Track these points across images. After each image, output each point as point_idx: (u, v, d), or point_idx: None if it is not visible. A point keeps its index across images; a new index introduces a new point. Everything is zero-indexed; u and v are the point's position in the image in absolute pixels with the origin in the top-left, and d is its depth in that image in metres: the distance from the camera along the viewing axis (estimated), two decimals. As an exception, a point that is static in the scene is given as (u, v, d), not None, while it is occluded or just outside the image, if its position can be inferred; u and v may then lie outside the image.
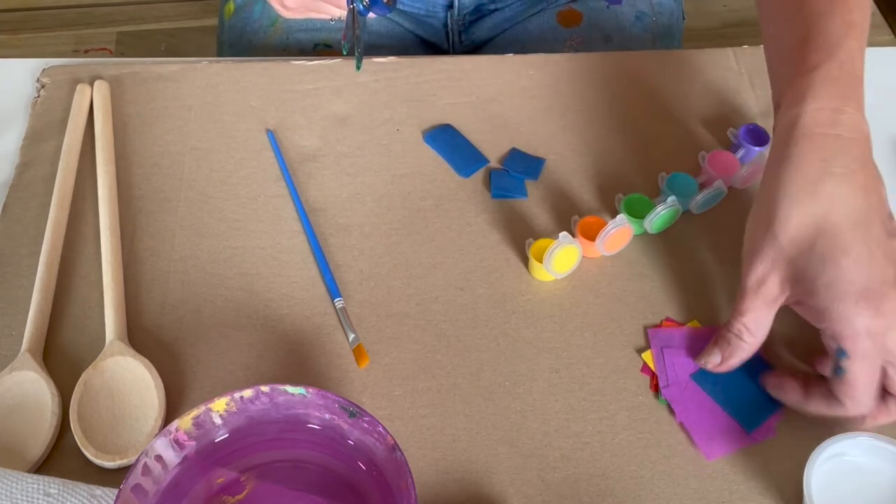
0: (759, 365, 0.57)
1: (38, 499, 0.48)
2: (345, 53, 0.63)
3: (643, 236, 0.64)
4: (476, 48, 0.89)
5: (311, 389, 0.48)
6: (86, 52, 1.73)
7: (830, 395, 0.52)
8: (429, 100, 0.71)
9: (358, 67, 0.65)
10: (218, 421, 0.49)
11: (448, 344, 0.59)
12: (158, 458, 0.47)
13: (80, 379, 0.55)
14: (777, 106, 0.56)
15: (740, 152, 0.66)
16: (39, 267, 0.60)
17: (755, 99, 0.71)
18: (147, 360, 0.56)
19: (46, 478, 0.49)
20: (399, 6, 0.63)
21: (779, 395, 0.55)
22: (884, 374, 0.51)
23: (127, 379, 0.56)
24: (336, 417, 0.49)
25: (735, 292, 0.55)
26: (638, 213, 0.63)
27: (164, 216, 0.64)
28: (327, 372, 0.57)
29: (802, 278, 0.51)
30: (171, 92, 0.71)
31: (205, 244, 0.63)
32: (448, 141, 0.69)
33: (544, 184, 0.67)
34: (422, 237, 0.64)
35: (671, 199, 0.62)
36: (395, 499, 0.46)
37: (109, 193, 0.64)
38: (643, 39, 0.84)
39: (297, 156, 0.68)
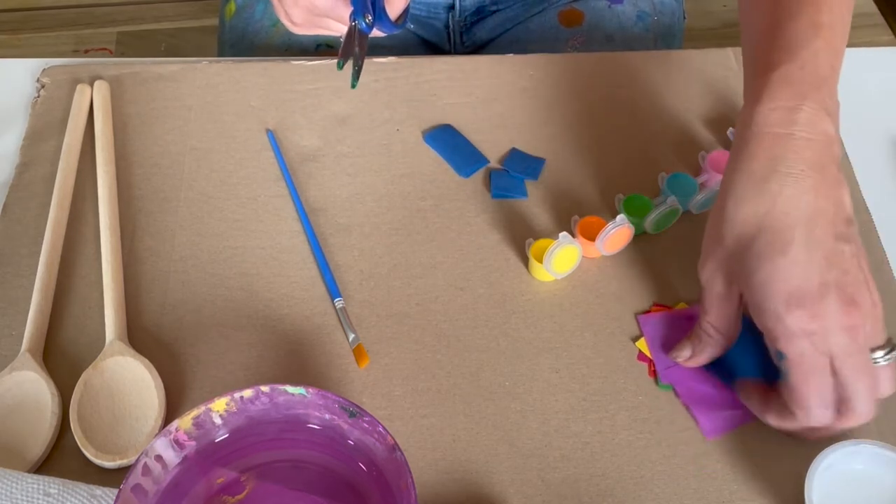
0: (760, 338, 0.57)
1: (38, 499, 0.48)
2: (339, 69, 0.61)
3: (643, 236, 0.64)
4: (477, 49, 0.89)
5: (311, 389, 0.48)
6: (86, 52, 1.73)
7: (785, 406, 0.52)
8: (429, 100, 0.71)
9: (353, 85, 0.63)
10: (218, 421, 0.49)
11: (448, 344, 0.59)
12: (158, 458, 0.47)
13: (80, 379, 0.55)
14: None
15: (740, 152, 0.66)
16: (39, 267, 0.60)
17: (755, 99, 0.71)
18: (147, 360, 0.56)
19: (46, 478, 0.49)
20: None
21: (745, 402, 0.55)
22: (835, 379, 0.50)
23: (127, 379, 0.56)
24: (336, 417, 0.49)
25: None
26: (638, 213, 0.63)
27: (164, 216, 0.64)
28: (327, 372, 0.57)
29: (741, 275, 0.51)
30: (171, 92, 0.71)
31: (205, 244, 0.63)
32: (448, 141, 0.69)
33: (544, 184, 0.67)
34: (422, 237, 0.64)
35: (671, 199, 0.62)
36: (395, 499, 0.46)
37: (109, 193, 0.64)
38: (645, 39, 0.84)
39: (297, 156, 0.68)
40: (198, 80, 0.72)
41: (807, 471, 0.50)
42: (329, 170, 0.67)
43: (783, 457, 0.54)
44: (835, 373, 0.50)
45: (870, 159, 0.69)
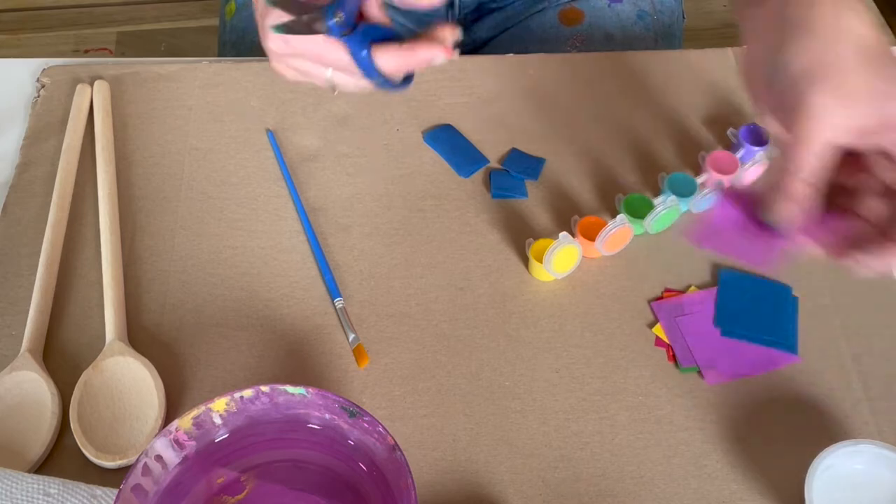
0: (782, 293, 0.59)
1: (38, 499, 0.48)
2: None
3: (643, 236, 0.64)
4: (478, 47, 0.89)
5: (311, 389, 0.48)
6: (86, 52, 1.72)
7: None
8: (429, 100, 0.71)
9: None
10: (218, 421, 0.49)
11: (448, 344, 0.59)
12: (158, 458, 0.47)
13: (80, 379, 0.55)
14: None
15: (740, 152, 0.66)
16: (39, 267, 0.60)
17: (755, 99, 0.71)
18: (147, 360, 0.56)
19: (46, 478, 0.49)
20: (397, 5, 0.61)
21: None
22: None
23: (127, 379, 0.56)
24: (336, 417, 0.49)
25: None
26: (638, 213, 0.63)
27: (164, 216, 0.64)
28: (327, 372, 0.57)
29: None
30: (171, 92, 0.71)
31: (205, 244, 0.63)
32: (448, 141, 0.69)
33: (544, 184, 0.67)
34: (422, 237, 0.64)
35: (671, 199, 0.62)
36: (395, 499, 0.46)
37: (109, 193, 0.64)
38: (645, 38, 0.84)
39: (297, 156, 0.68)
40: (198, 80, 0.72)
41: (807, 471, 0.50)
42: (329, 170, 0.67)
43: (783, 457, 0.54)
44: None
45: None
